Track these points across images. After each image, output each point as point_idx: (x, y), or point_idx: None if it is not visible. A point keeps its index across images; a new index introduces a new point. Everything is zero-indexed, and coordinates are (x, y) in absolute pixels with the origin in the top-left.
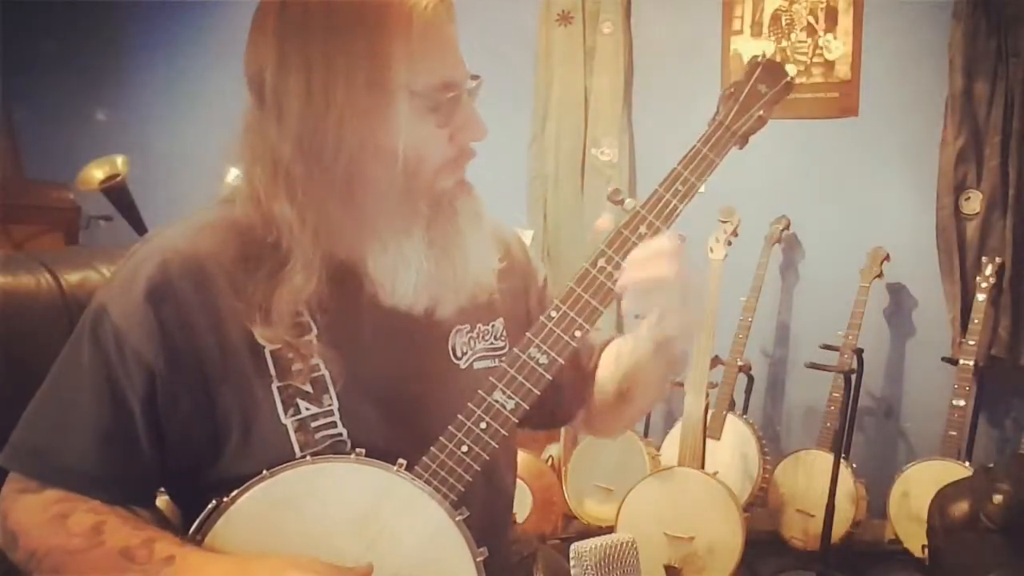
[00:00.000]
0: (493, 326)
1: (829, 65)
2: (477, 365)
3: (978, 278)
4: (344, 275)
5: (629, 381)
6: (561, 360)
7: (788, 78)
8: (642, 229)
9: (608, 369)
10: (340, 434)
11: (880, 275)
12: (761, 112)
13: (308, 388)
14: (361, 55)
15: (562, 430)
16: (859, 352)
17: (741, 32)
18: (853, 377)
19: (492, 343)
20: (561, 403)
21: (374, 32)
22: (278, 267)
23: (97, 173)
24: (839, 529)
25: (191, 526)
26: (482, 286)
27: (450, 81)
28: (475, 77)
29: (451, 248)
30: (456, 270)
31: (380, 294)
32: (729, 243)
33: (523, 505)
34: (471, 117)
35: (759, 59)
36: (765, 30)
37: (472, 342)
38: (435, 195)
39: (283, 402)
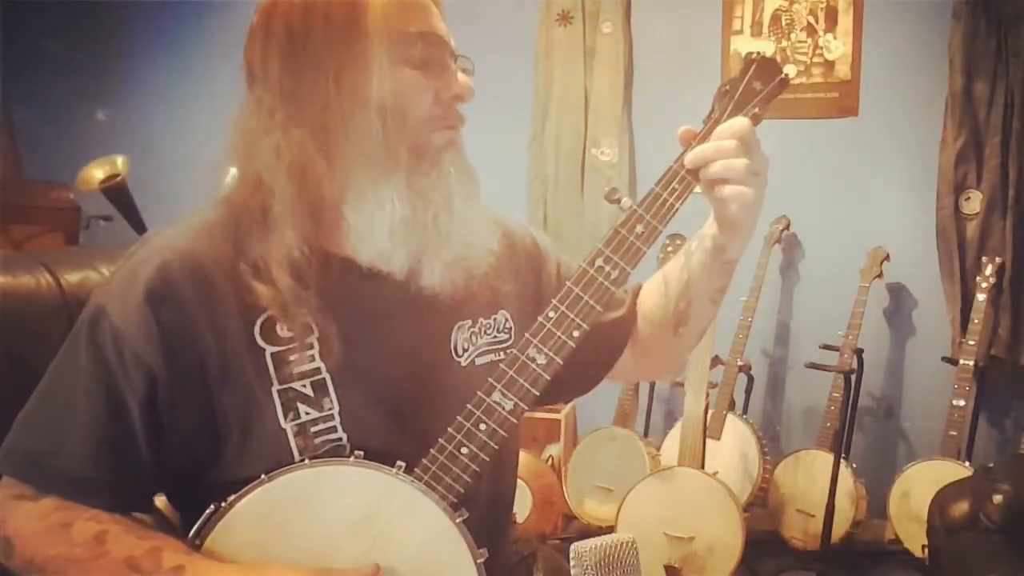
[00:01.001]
0: (495, 319)
1: (829, 65)
2: (479, 361)
3: (978, 278)
4: (331, 233)
5: (684, 300)
6: (559, 360)
7: (782, 75)
8: (639, 228)
9: (656, 299)
10: (340, 439)
11: (880, 275)
12: (756, 109)
13: (308, 392)
14: (340, 4)
15: (561, 430)
16: (859, 352)
17: (741, 32)
18: (853, 377)
19: (495, 336)
20: (595, 363)
21: None
22: (268, 233)
23: (97, 173)
24: (839, 529)
25: (190, 530)
26: (474, 262)
27: (430, 31)
28: (464, 57)
29: (433, 197)
30: (439, 226)
31: (356, 243)
32: None
33: (523, 505)
34: (456, 76)
35: (754, 56)
36: (765, 30)
37: (474, 337)
38: (421, 146)
39: (283, 406)
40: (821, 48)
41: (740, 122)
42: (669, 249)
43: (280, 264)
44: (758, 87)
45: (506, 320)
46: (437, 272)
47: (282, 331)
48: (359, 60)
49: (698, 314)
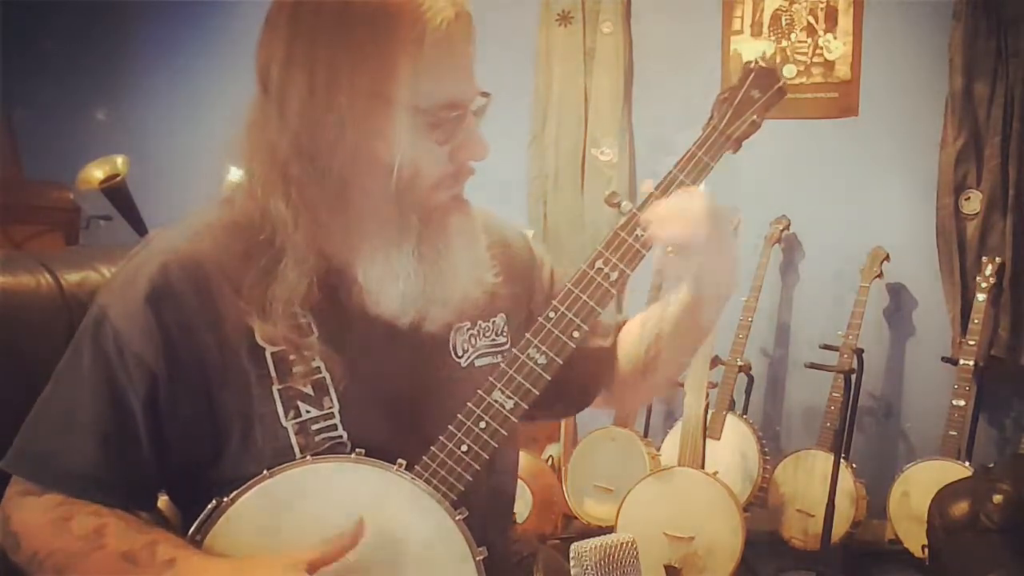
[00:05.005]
0: (494, 322)
1: (829, 65)
2: (478, 363)
3: (978, 278)
4: (338, 278)
5: (656, 348)
6: (560, 360)
7: (780, 83)
8: (639, 231)
9: (633, 339)
10: (340, 436)
11: (880, 275)
12: (755, 117)
13: (309, 390)
14: (368, 63)
15: (561, 430)
16: (859, 352)
17: (741, 32)
18: (853, 377)
19: (493, 339)
20: (581, 388)
21: (384, 42)
22: (273, 264)
23: (97, 173)
24: (839, 529)
25: (191, 528)
26: (472, 301)
27: (456, 100)
28: (484, 94)
29: (440, 264)
30: (445, 286)
31: (367, 302)
32: None
33: (523, 505)
34: (473, 136)
35: (752, 65)
36: (765, 30)
37: (473, 339)
38: (428, 209)
39: (283, 404)
40: (821, 48)
41: (701, 197)
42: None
43: (282, 310)
44: (756, 95)
45: (504, 324)
46: (439, 320)
47: None
48: (382, 129)
49: (667, 365)
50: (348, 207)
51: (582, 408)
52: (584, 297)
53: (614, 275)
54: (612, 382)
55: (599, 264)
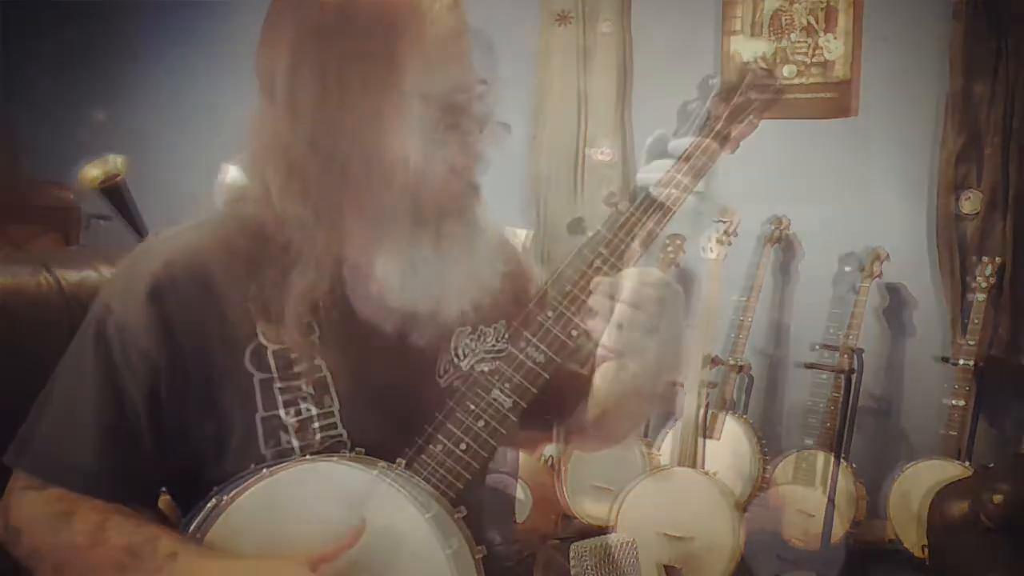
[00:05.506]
0: (496, 328)
1: (828, 65)
2: (478, 367)
3: (978, 278)
4: (350, 276)
5: (604, 404)
6: (558, 359)
7: (778, 84)
8: (636, 231)
9: (595, 384)
10: (340, 435)
11: (879, 275)
12: (752, 117)
13: (310, 389)
14: (374, 56)
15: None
16: (858, 352)
17: (740, 32)
18: (852, 377)
19: (493, 345)
20: (557, 407)
21: (388, 36)
22: (288, 267)
23: (96, 173)
24: (839, 529)
25: (190, 525)
26: (486, 289)
27: (461, 86)
28: (483, 82)
29: (457, 254)
30: (461, 275)
31: (386, 296)
32: (728, 243)
33: (522, 505)
34: (474, 141)
35: (749, 66)
36: (764, 30)
37: (473, 344)
38: (443, 198)
39: (284, 403)
40: (820, 48)
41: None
42: (669, 248)
43: (294, 313)
44: (754, 95)
45: (504, 331)
46: (454, 312)
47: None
48: (394, 122)
49: (611, 424)
50: (366, 203)
51: (549, 428)
52: (583, 296)
53: (612, 275)
54: (584, 413)
55: (597, 263)
